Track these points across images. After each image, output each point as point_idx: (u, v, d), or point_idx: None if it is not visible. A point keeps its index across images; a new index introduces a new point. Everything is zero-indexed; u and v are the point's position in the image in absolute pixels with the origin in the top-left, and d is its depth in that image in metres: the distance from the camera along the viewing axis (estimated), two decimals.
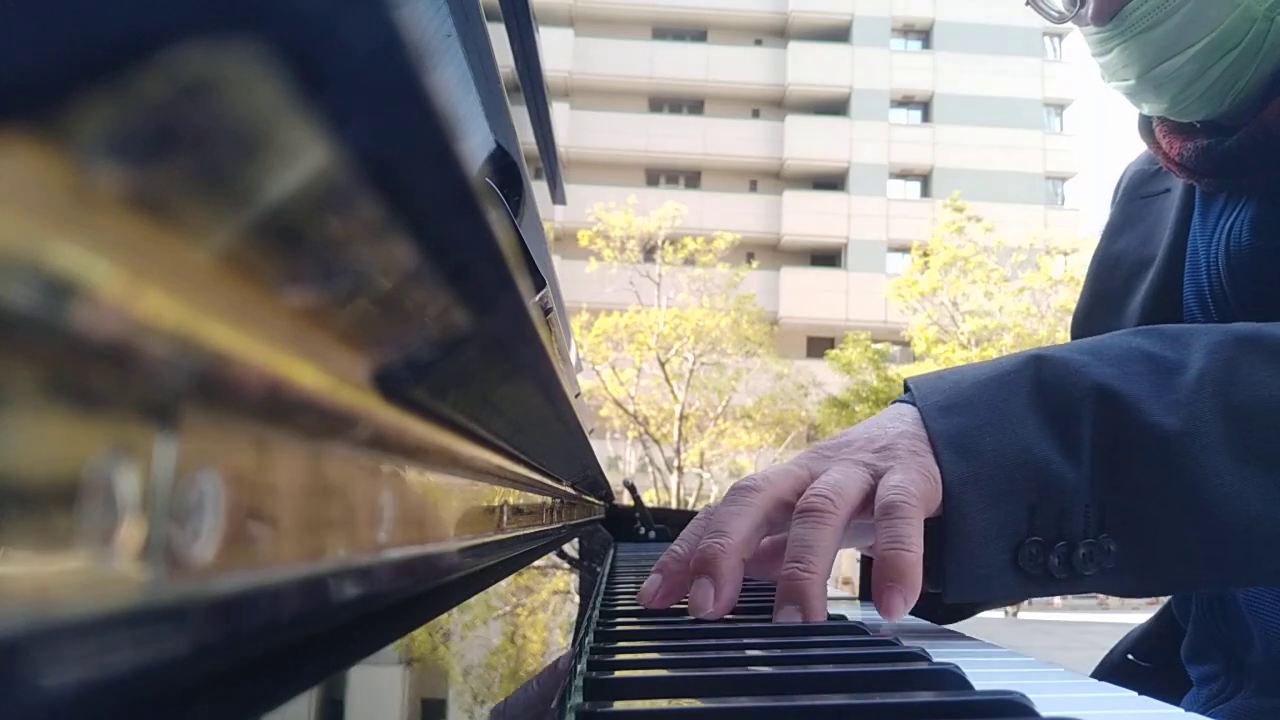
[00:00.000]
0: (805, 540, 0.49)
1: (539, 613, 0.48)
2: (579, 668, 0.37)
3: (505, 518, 0.40)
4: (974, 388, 0.55)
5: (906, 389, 0.58)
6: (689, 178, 19.28)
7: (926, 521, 0.50)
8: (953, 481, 0.51)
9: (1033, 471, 0.51)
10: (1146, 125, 0.82)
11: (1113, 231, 0.90)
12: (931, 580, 0.51)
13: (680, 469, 14.24)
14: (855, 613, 0.59)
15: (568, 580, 0.69)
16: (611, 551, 1.20)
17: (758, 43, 19.56)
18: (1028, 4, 0.80)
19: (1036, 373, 0.54)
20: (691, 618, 0.50)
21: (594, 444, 1.03)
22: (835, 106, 19.23)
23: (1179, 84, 0.72)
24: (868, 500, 0.51)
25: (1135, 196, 0.89)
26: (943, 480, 0.51)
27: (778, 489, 0.53)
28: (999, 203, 16.84)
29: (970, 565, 0.51)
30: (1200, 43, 0.70)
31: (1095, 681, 0.39)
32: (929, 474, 0.51)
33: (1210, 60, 0.70)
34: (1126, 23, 0.72)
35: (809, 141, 18.83)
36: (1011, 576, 0.51)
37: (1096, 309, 0.87)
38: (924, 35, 19.50)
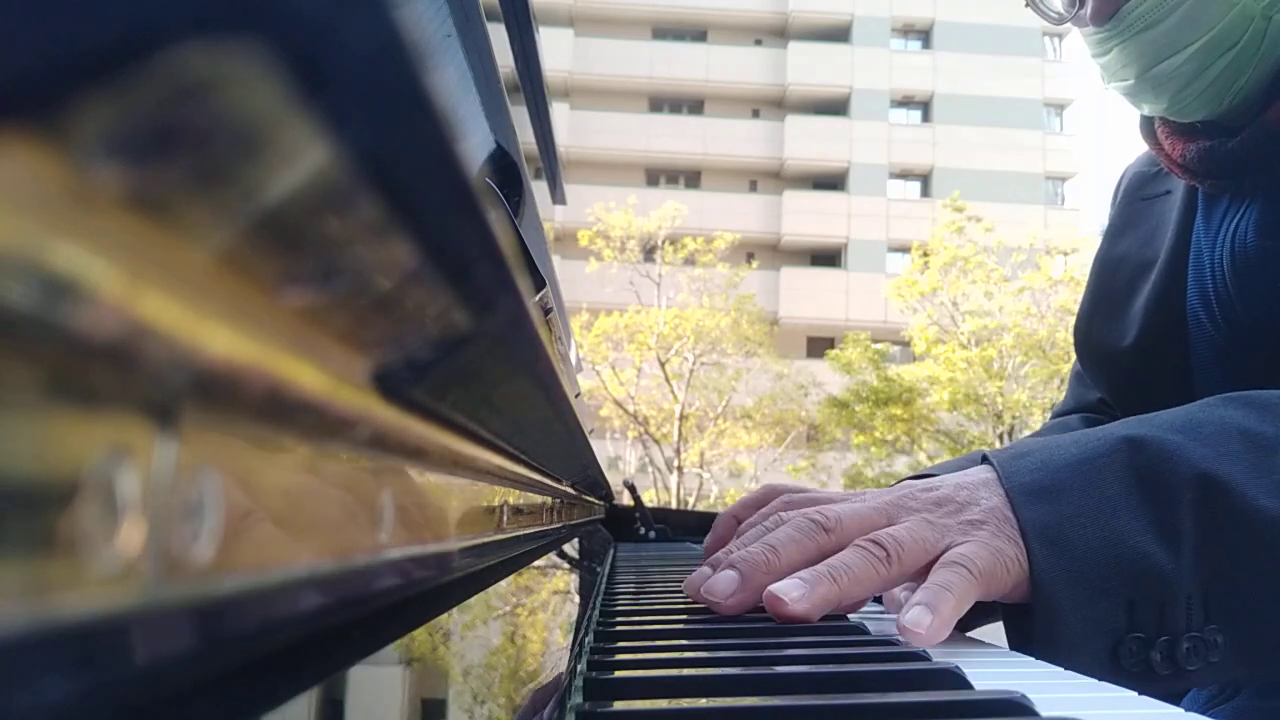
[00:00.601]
0: (846, 561, 0.48)
1: (539, 613, 0.48)
2: (579, 668, 0.37)
3: (505, 518, 0.40)
4: (1065, 471, 0.52)
5: (984, 460, 0.56)
6: (689, 178, 19.28)
7: (1015, 608, 0.49)
8: (1044, 577, 0.49)
9: (1131, 565, 0.49)
10: (1148, 127, 0.82)
11: (1114, 234, 0.90)
12: None
13: (680, 469, 14.23)
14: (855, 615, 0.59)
15: (568, 580, 0.69)
16: (611, 551, 1.20)
17: (758, 43, 19.55)
18: (1027, 5, 0.80)
19: (1131, 458, 0.52)
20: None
21: (594, 444, 1.03)
22: (835, 106, 19.23)
23: (1178, 83, 0.72)
24: (929, 566, 0.49)
25: (1136, 198, 0.89)
26: (1031, 574, 0.49)
27: (849, 536, 0.51)
28: (999, 203, 16.83)
29: (1065, 663, 0.47)
30: (1198, 42, 0.69)
31: (1095, 681, 0.39)
32: (1001, 557, 0.49)
33: (1209, 59, 0.70)
34: (1125, 22, 0.72)
35: (809, 141, 18.82)
36: (1110, 675, 0.47)
37: (1099, 312, 0.87)
38: (924, 35, 19.49)
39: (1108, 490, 0.51)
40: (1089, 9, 0.74)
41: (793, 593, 0.47)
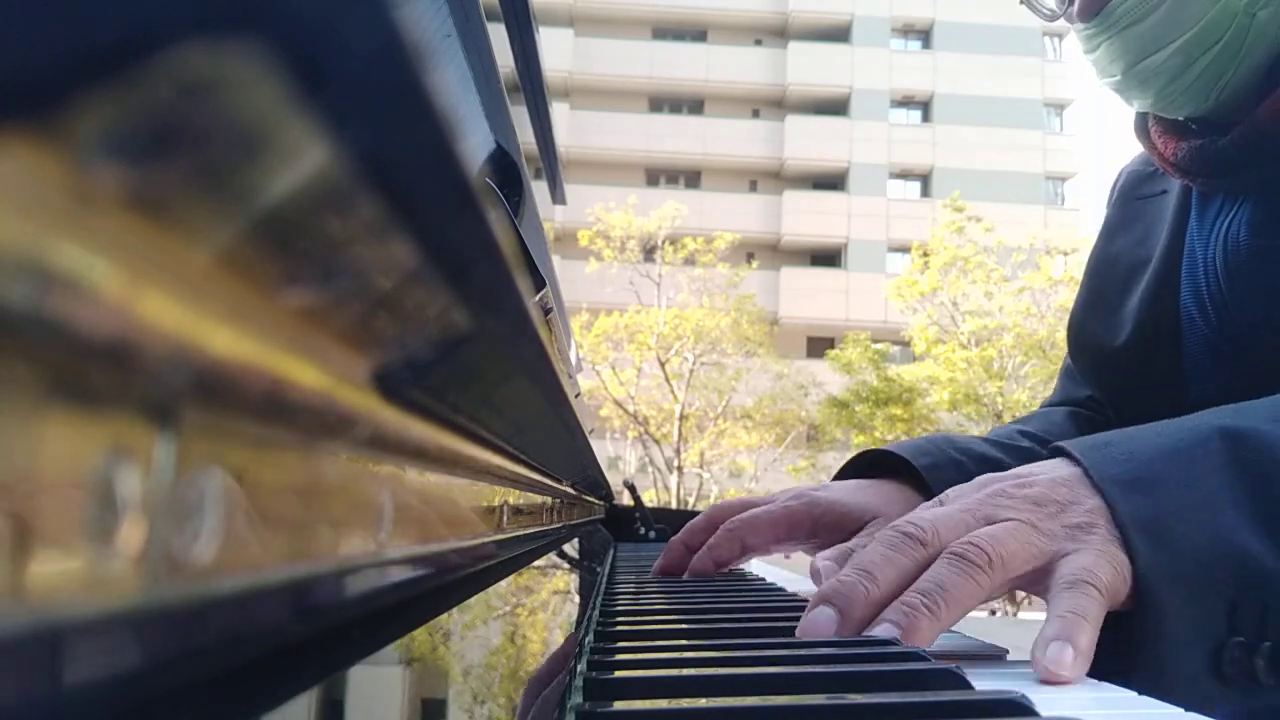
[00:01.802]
0: (941, 580, 0.44)
1: (539, 613, 0.48)
2: (579, 668, 0.37)
3: (505, 518, 0.40)
4: (1159, 462, 0.49)
5: (1061, 452, 0.52)
6: (689, 178, 19.28)
7: (1108, 618, 0.44)
8: (1148, 574, 0.45)
9: (1234, 564, 0.45)
10: (1142, 126, 0.82)
11: (1109, 233, 0.90)
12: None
13: (680, 469, 14.23)
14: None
15: (568, 580, 0.69)
16: (611, 551, 1.20)
17: (758, 43, 19.56)
18: (1021, 2, 0.81)
19: (1231, 449, 0.49)
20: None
21: (594, 444, 1.03)
22: (835, 106, 19.23)
23: (1163, 79, 0.73)
24: (1037, 575, 0.46)
25: (1132, 198, 0.89)
26: (1135, 571, 0.45)
27: (945, 543, 0.47)
28: (999, 203, 16.83)
29: (1167, 669, 0.45)
30: (1182, 38, 0.71)
31: (1095, 681, 0.39)
32: (1119, 566, 0.45)
33: (1193, 55, 0.71)
34: (1110, 19, 0.73)
35: (809, 141, 18.82)
36: (1211, 682, 0.45)
37: (1093, 310, 0.87)
38: (924, 35, 19.50)
39: (1206, 483, 0.48)
40: (1076, 6, 0.75)
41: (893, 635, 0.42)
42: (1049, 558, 0.46)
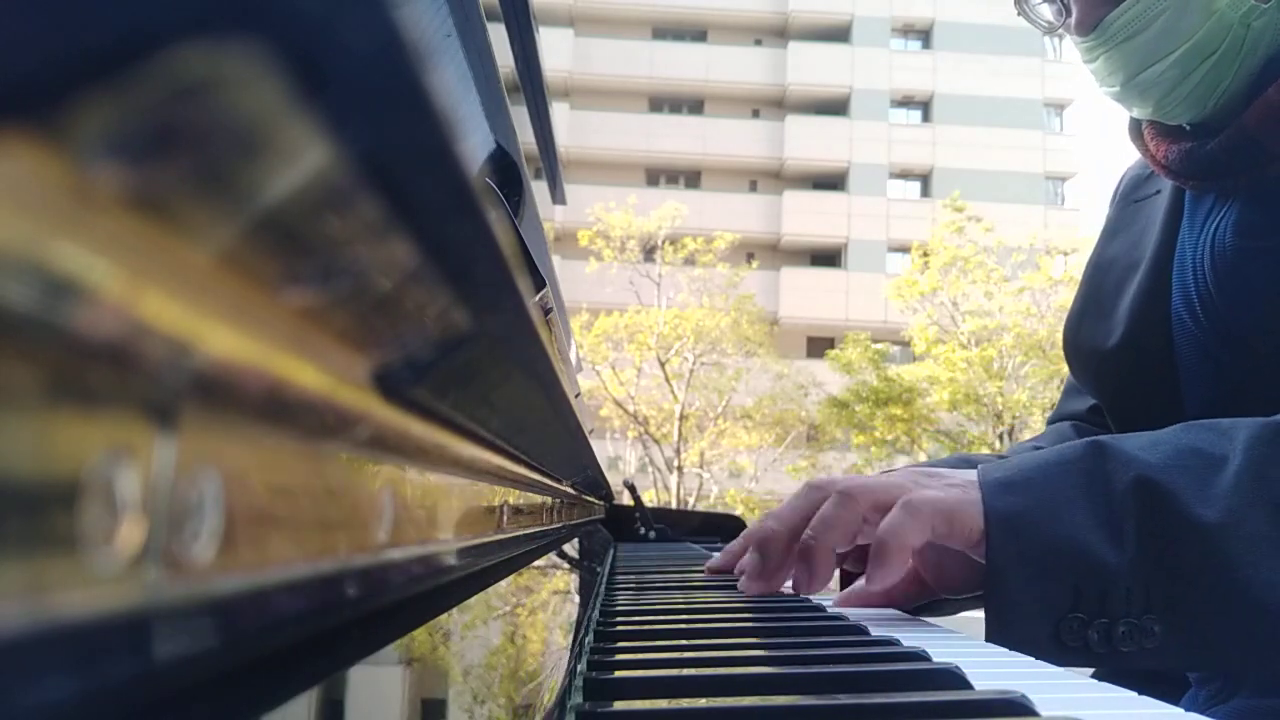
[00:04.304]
0: (823, 514, 0.61)
1: (539, 613, 0.48)
2: (579, 668, 0.37)
3: (505, 518, 0.40)
4: (1033, 471, 0.59)
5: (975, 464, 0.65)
6: (689, 178, 19.27)
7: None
8: (996, 558, 0.56)
9: (1077, 555, 0.55)
10: (1136, 129, 0.83)
11: (1107, 236, 0.91)
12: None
13: (680, 469, 14.23)
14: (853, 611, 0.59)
15: (568, 580, 0.69)
16: (611, 551, 1.20)
17: (758, 43, 19.55)
18: (1019, 14, 0.82)
19: (1090, 463, 0.58)
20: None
21: (594, 444, 1.03)
22: (835, 106, 19.22)
23: (1162, 89, 0.74)
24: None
25: (1129, 200, 0.90)
26: (987, 556, 0.56)
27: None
28: (999, 203, 16.82)
29: (1013, 634, 0.55)
30: (1179, 50, 0.71)
31: (1095, 681, 0.39)
32: (973, 511, 0.57)
33: (1190, 66, 0.72)
34: (1108, 33, 0.74)
35: (809, 141, 18.81)
36: (1052, 647, 0.54)
37: (1088, 313, 0.87)
38: (924, 35, 19.49)
39: (1067, 489, 0.57)
40: (1074, 19, 0.76)
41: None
42: (904, 494, 0.59)
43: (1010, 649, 0.50)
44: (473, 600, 0.31)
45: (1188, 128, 0.78)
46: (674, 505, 13.09)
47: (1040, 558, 0.55)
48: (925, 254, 13.57)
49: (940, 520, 0.57)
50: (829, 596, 0.65)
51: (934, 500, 0.57)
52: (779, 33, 19.53)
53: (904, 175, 19.13)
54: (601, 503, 1.49)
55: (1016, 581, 0.55)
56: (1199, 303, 0.75)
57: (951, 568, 0.62)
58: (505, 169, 0.57)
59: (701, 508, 12.53)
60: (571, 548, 0.84)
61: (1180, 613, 0.54)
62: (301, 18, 0.10)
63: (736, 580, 0.73)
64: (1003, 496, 0.57)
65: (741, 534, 0.75)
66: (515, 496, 0.44)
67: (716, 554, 0.77)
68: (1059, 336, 0.96)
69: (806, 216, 18.57)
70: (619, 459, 14.81)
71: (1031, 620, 0.55)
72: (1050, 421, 1.02)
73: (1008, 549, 0.56)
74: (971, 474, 0.61)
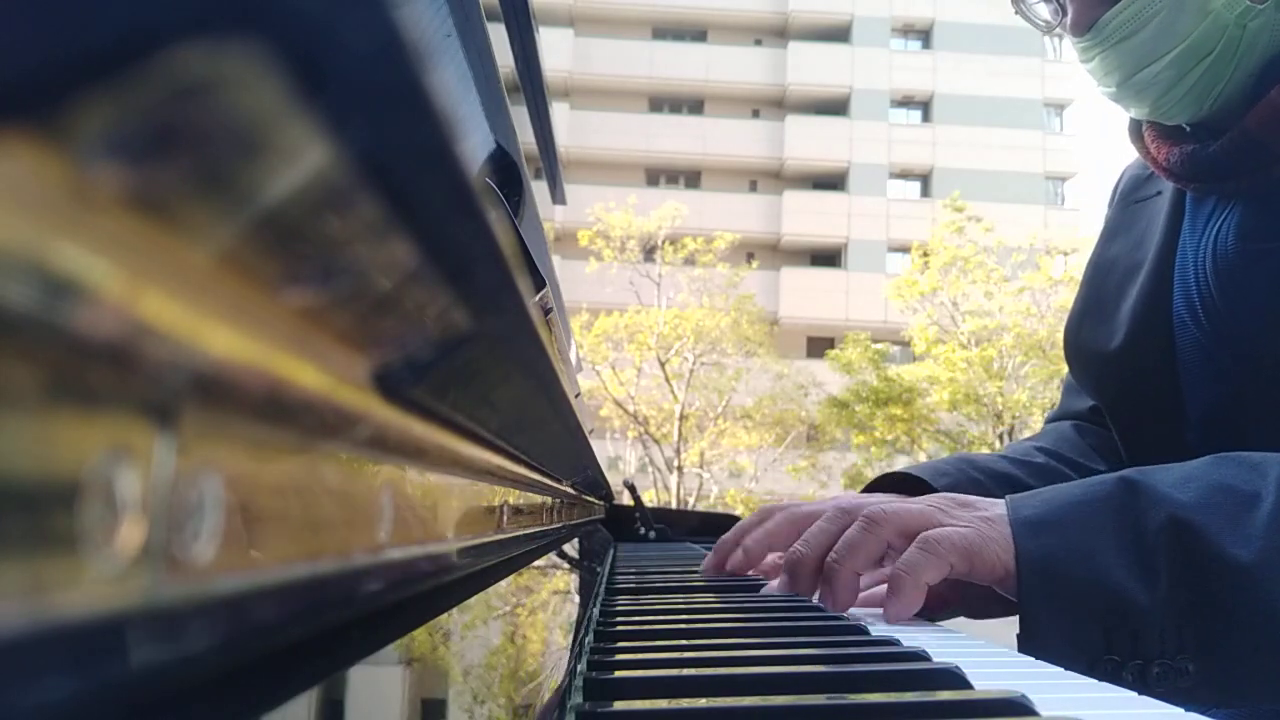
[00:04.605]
0: (848, 538, 0.60)
1: (539, 613, 0.48)
2: (579, 668, 0.37)
3: (505, 518, 0.40)
4: (1064, 509, 0.58)
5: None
6: (689, 178, 19.26)
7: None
8: (1027, 600, 0.55)
9: (1110, 597, 0.55)
10: (1137, 130, 0.83)
11: (1107, 237, 0.91)
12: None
13: (680, 469, 14.23)
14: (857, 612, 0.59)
15: (568, 580, 0.69)
16: (611, 551, 1.20)
17: (758, 43, 19.54)
18: (1017, 13, 0.82)
19: (1121, 502, 0.58)
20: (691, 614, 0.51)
21: (594, 444, 1.03)
22: (835, 106, 19.21)
23: (1158, 90, 0.74)
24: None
25: (1129, 201, 0.89)
26: (1019, 598, 0.56)
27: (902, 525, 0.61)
28: (999, 203, 16.82)
29: None
30: (1174, 50, 0.71)
31: (1095, 681, 0.39)
32: (996, 548, 0.57)
33: (1186, 66, 0.72)
34: (1103, 34, 0.74)
35: (809, 141, 18.80)
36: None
37: (1088, 315, 0.87)
38: (924, 35, 19.48)
39: (1097, 529, 0.57)
40: (1069, 19, 0.76)
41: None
42: (934, 524, 0.59)
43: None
44: (473, 600, 0.31)
45: (1188, 129, 0.78)
46: (674, 505, 13.09)
47: (1073, 601, 0.55)
48: (925, 254, 13.57)
49: (960, 558, 0.56)
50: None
51: (955, 539, 0.57)
52: (779, 33, 19.52)
53: (904, 175, 19.13)
54: (601, 503, 1.49)
55: (1049, 625, 0.55)
56: (1201, 306, 0.75)
57: (976, 592, 0.62)
58: (505, 169, 0.57)
59: (701, 508, 12.53)
60: (571, 548, 0.84)
61: (1214, 652, 0.54)
62: (301, 18, 0.10)
63: (733, 579, 0.73)
64: (1034, 538, 0.57)
65: (734, 527, 0.76)
66: (515, 496, 0.44)
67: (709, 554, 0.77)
68: (1059, 336, 0.96)
69: (806, 216, 18.56)
70: (619, 459, 14.80)
71: (1064, 664, 0.54)
72: (1049, 420, 1.02)
73: (1040, 592, 0.55)
74: (1000, 506, 0.60)
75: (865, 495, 0.64)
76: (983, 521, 0.58)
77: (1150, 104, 0.75)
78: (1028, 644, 0.55)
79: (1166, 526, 0.55)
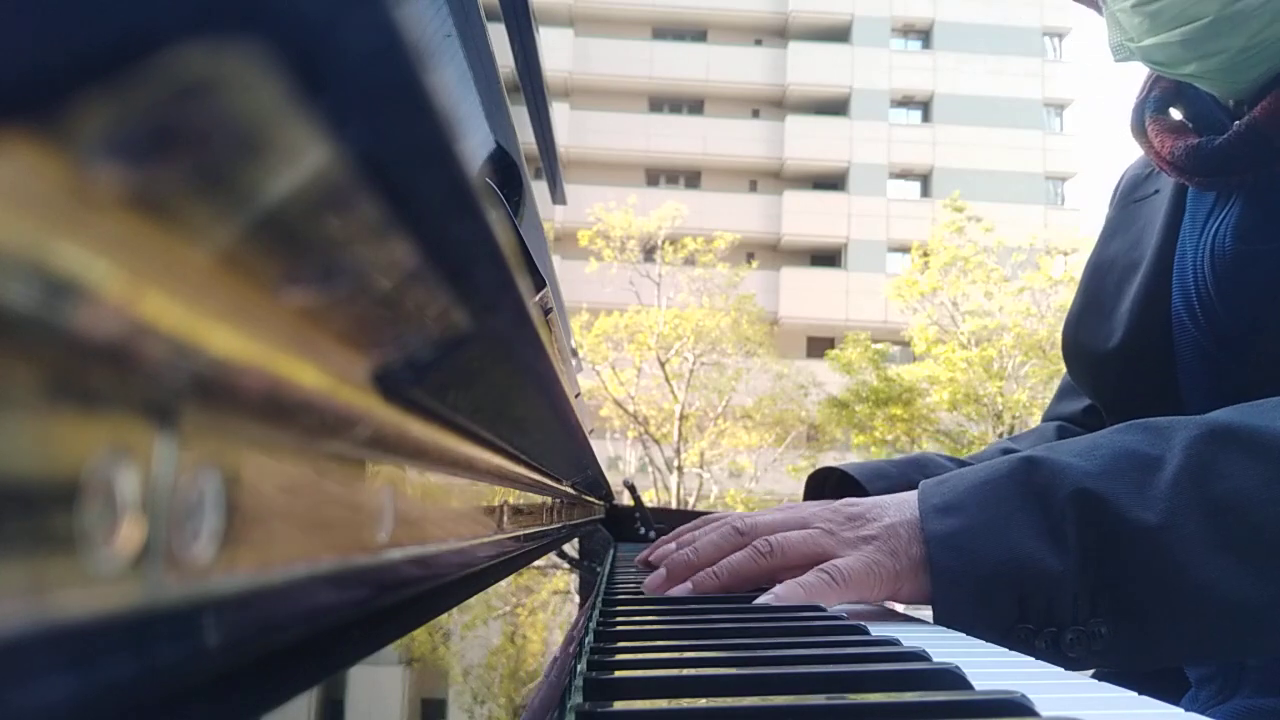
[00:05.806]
0: (733, 561, 0.62)
1: (539, 613, 0.48)
2: (579, 668, 0.37)
3: (505, 518, 0.40)
4: (968, 491, 0.60)
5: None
6: (689, 178, 19.26)
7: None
8: (940, 576, 0.57)
9: (1021, 567, 0.56)
10: (1139, 124, 0.82)
11: (1106, 237, 0.90)
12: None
13: (680, 469, 14.22)
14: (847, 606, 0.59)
15: (568, 580, 0.69)
16: (611, 551, 1.20)
17: (758, 43, 19.53)
18: None
19: (1026, 476, 0.59)
20: (690, 618, 0.52)
21: (594, 444, 1.03)
22: (835, 106, 19.21)
23: (1259, 22, 0.66)
24: (810, 565, 0.59)
25: (1129, 201, 0.89)
26: (931, 574, 0.57)
27: (758, 536, 0.63)
28: (999, 203, 16.81)
29: None
30: None
31: (1095, 681, 0.39)
32: (881, 571, 0.58)
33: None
34: None
35: (809, 141, 18.79)
36: None
37: (1087, 313, 0.87)
38: (924, 35, 19.47)
39: (1004, 505, 0.58)
40: None
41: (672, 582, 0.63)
42: (823, 556, 0.60)
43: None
44: (473, 600, 0.31)
45: (1190, 125, 0.77)
46: (674, 505, 13.09)
47: (985, 574, 0.56)
48: (925, 254, 13.56)
49: (855, 594, 0.58)
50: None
51: (847, 571, 0.58)
52: (779, 33, 19.51)
53: (904, 175, 19.12)
54: (601, 503, 1.49)
55: (963, 597, 0.56)
56: (1199, 305, 0.75)
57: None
58: (505, 169, 0.57)
59: (701, 508, 12.53)
60: (571, 548, 0.84)
61: (1127, 615, 0.55)
62: (301, 18, 0.10)
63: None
64: (942, 520, 0.59)
65: (674, 531, 0.79)
66: (515, 496, 0.44)
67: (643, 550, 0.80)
68: (1059, 336, 0.96)
69: (806, 216, 18.55)
70: (619, 459, 14.80)
71: (978, 635, 0.55)
72: (1045, 420, 1.02)
73: (952, 570, 0.57)
74: (889, 513, 0.61)
75: (761, 516, 0.65)
76: (864, 541, 0.60)
77: (1243, 42, 0.67)
78: (941, 618, 0.56)
79: (1072, 495, 0.57)
